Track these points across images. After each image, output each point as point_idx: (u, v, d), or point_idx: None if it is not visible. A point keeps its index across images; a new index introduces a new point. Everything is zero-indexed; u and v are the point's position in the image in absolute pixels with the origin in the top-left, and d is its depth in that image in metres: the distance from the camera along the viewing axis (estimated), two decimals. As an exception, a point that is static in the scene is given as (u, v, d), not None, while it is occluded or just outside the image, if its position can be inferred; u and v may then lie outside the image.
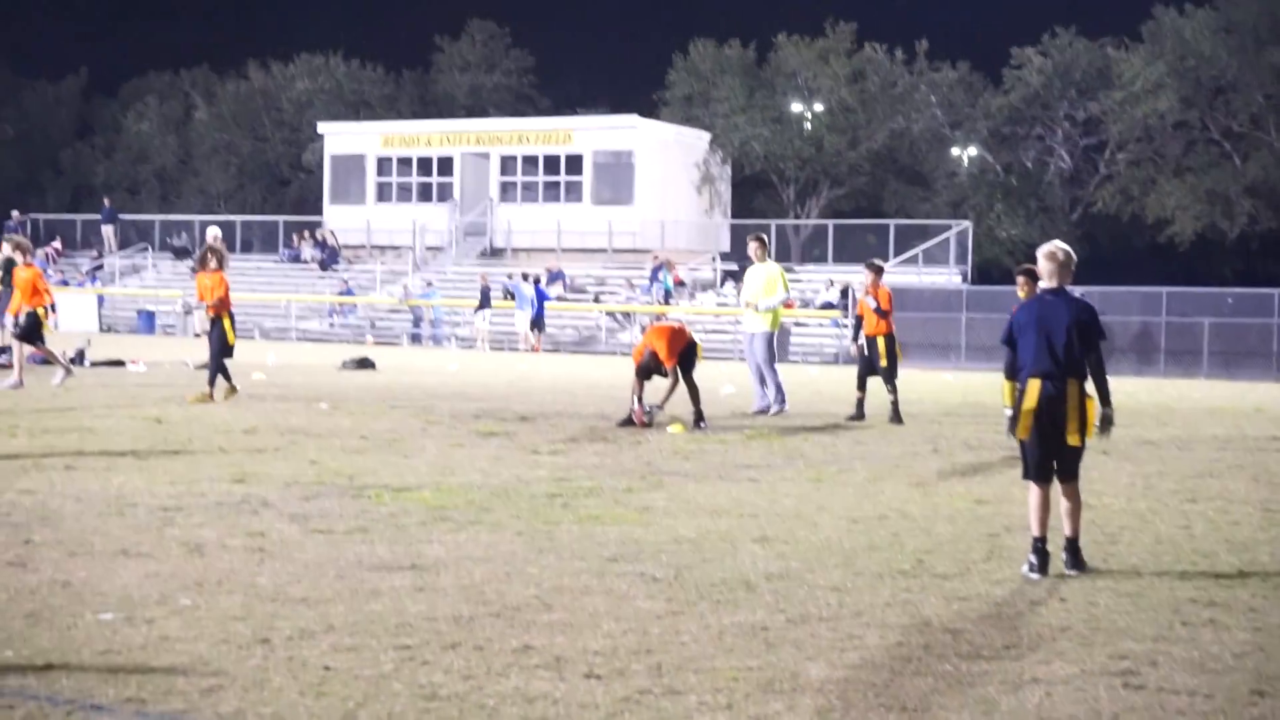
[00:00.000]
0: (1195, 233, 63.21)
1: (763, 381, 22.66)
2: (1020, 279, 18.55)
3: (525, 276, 49.92)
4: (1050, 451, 10.14)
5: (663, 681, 6.98)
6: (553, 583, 9.11)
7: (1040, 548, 9.96)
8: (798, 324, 48.41)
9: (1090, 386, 10.19)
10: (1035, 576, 9.83)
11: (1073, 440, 10.07)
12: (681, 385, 20.22)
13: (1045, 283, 10.31)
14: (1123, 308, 44.00)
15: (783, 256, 59.27)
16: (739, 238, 58.16)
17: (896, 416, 21.67)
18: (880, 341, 22.29)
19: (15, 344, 23.91)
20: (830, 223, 59.24)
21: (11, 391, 22.40)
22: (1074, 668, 7.42)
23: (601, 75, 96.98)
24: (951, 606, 8.78)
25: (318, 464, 14.59)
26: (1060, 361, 10.04)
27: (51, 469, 13.64)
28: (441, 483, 13.46)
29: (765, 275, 22.88)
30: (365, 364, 33.07)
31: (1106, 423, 10.24)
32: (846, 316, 47.32)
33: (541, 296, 48.35)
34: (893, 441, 18.86)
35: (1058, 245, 10.44)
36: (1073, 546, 10.08)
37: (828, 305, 48.29)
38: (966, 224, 55.44)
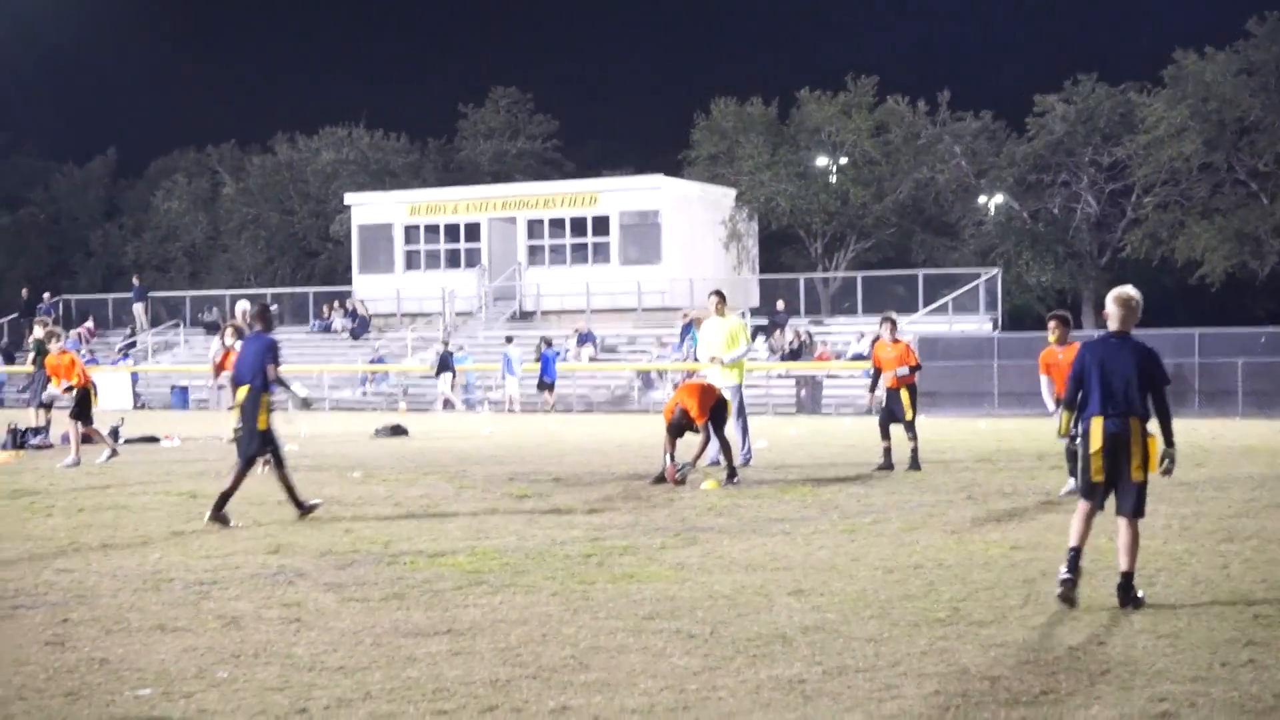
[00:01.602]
0: (1225, 273, 62.98)
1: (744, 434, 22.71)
2: (1052, 324, 18.65)
3: (509, 340, 50.39)
4: (1109, 484, 10.48)
5: (700, 738, 6.98)
6: (589, 642, 9.11)
7: (1075, 557, 10.35)
8: (830, 376, 48.40)
9: (1154, 426, 10.49)
10: (1068, 576, 10.22)
11: (1136, 475, 10.39)
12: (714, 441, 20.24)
13: (1114, 326, 10.71)
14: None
15: (812, 310, 59.34)
16: (768, 293, 58.33)
17: (915, 464, 21.84)
18: (904, 393, 22.28)
19: (71, 424, 24.28)
20: (859, 275, 59.29)
21: (64, 471, 22.66)
22: (1113, 711, 7.39)
23: (625, 137, 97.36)
24: (989, 654, 8.75)
25: (352, 532, 14.62)
26: (1122, 402, 10.40)
27: (87, 547, 13.70)
28: (476, 547, 13.48)
29: (726, 329, 22.86)
30: (398, 431, 33.16)
31: (1169, 461, 10.56)
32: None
33: (548, 360, 48.70)
34: (926, 490, 18.82)
35: (1128, 291, 10.84)
36: (1126, 581, 10.29)
37: (858, 357, 48.24)
38: (995, 271, 55.39)
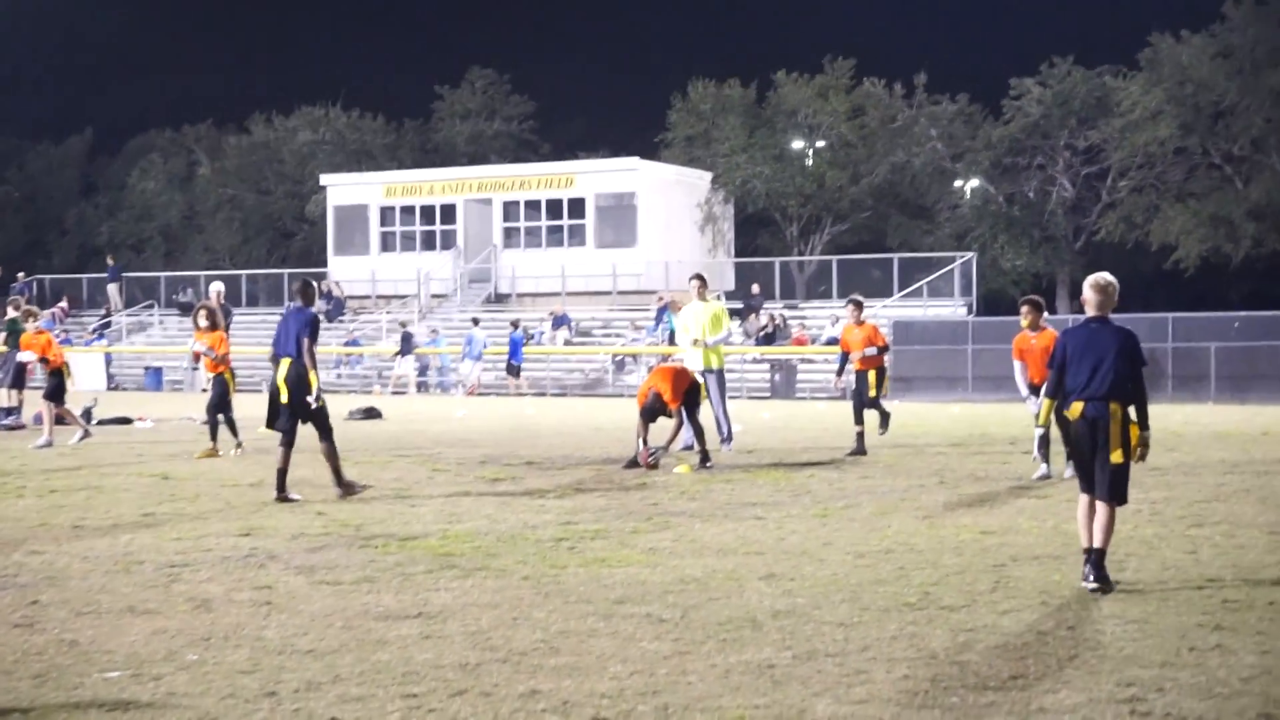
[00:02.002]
0: (1200, 257, 63.17)
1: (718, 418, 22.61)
2: (1024, 309, 18.69)
3: (475, 322, 50.46)
4: (1092, 467, 10.62)
5: (669, 722, 6.99)
6: (559, 627, 9.12)
7: (1090, 557, 10.47)
8: (805, 360, 48.44)
9: (1133, 411, 10.61)
10: (1095, 585, 10.27)
11: (1115, 458, 10.52)
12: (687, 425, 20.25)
13: (1091, 311, 10.83)
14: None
15: (788, 294, 59.37)
16: (744, 277, 58.32)
17: (884, 424, 22.42)
18: (871, 375, 22.31)
19: (44, 404, 24.28)
20: (834, 259, 59.31)
21: (36, 452, 22.62)
22: (1081, 696, 7.42)
23: (602, 119, 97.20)
24: (958, 639, 8.77)
25: (324, 515, 14.61)
26: (1104, 386, 10.51)
27: (58, 529, 13.67)
28: (448, 530, 13.48)
29: (708, 312, 22.70)
30: (372, 414, 33.11)
31: (1144, 446, 10.68)
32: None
33: (516, 343, 48.65)
34: (899, 475, 18.86)
35: (1105, 277, 10.96)
36: (1098, 558, 10.39)
37: (833, 341, 48.25)
38: (971, 255, 55.46)
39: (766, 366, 48.64)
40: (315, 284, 17.25)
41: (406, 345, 50.06)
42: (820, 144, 67.63)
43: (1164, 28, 64.24)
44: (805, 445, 24.07)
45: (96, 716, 7.17)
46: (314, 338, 15.99)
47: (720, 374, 22.67)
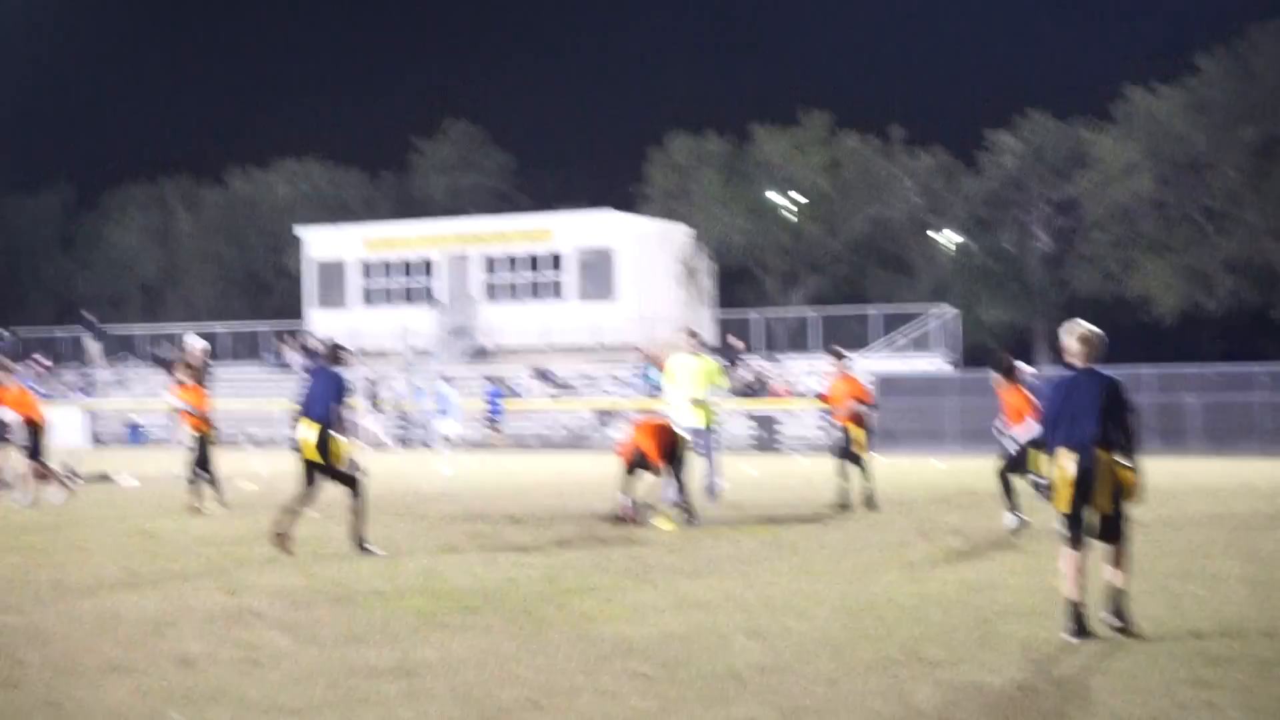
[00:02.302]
0: (1178, 310, 63.38)
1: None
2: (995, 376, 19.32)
3: (447, 379, 50.38)
4: (1084, 517, 10.72)
5: (657, 781, 6.99)
6: (544, 683, 9.11)
7: (1077, 612, 10.52)
8: (787, 414, 48.46)
9: (1122, 457, 10.75)
10: (1075, 640, 10.35)
11: (1105, 506, 10.67)
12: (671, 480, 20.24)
13: (1077, 362, 10.98)
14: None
15: (769, 346, 59.41)
16: (724, 330, 58.36)
17: (873, 503, 21.93)
18: (853, 429, 22.34)
19: (26, 462, 24.12)
20: (813, 311, 59.42)
21: (18, 509, 22.58)
22: (1068, 753, 7.44)
23: (581, 171, 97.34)
24: (943, 694, 8.78)
25: (308, 573, 14.58)
26: (1091, 433, 10.63)
27: (40, 587, 13.63)
28: (433, 587, 13.46)
29: (700, 367, 22.61)
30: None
31: (1137, 489, 10.83)
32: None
33: (494, 395, 48.55)
34: (883, 529, 18.87)
35: (1088, 328, 11.10)
36: (1118, 600, 10.57)
37: (815, 395, 48.31)
38: (955, 311, 55.57)
39: (749, 420, 48.64)
40: (345, 348, 17.41)
41: (368, 395, 50.05)
42: (798, 197, 67.78)
43: (1137, 80, 64.63)
44: (789, 500, 24.07)
45: (83, 778, 7.15)
46: (341, 399, 16.21)
47: (710, 430, 22.66)
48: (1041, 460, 11.21)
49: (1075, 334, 11.04)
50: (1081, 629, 10.48)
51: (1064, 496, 10.77)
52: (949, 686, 9.00)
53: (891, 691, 8.85)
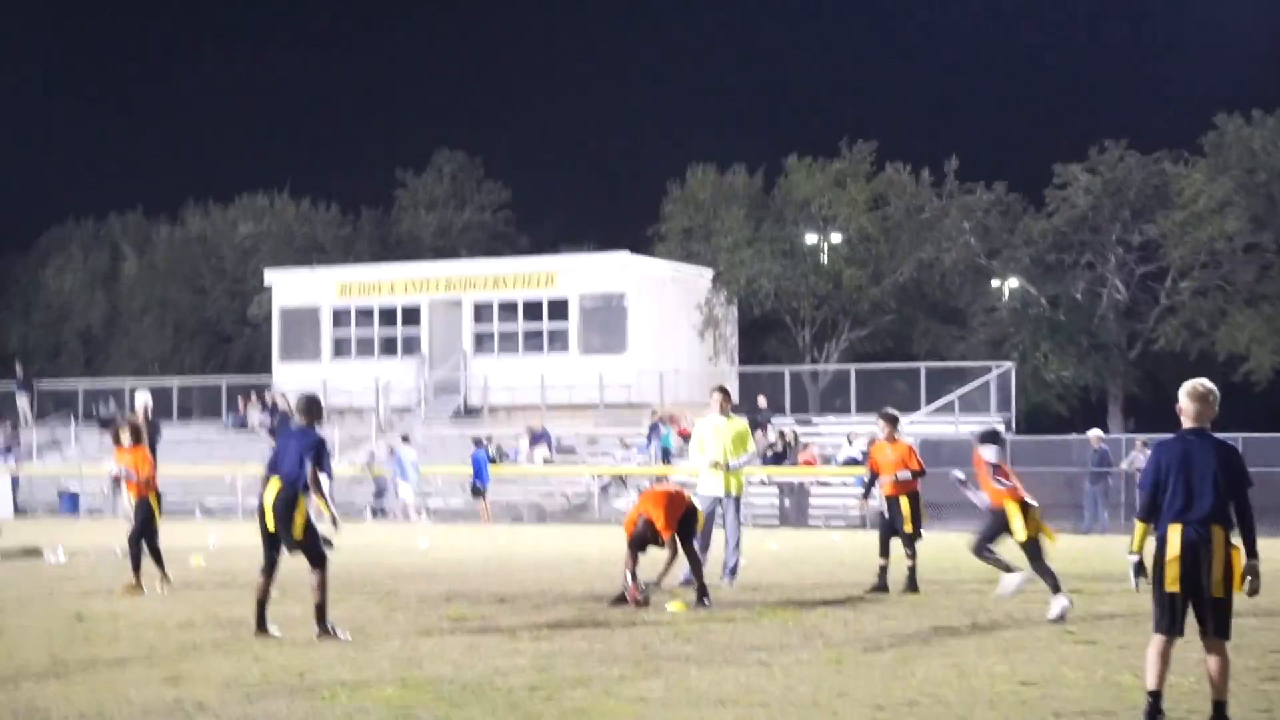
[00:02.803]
0: (1274, 369, 63.21)
1: (704, 548, 22.44)
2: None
3: (405, 439, 50.52)
4: (1189, 604, 10.73)
5: None
6: (530, 788, 9.08)
7: (1155, 704, 10.58)
8: (819, 483, 48.42)
9: (1236, 537, 10.82)
10: None
11: (1217, 591, 10.69)
12: (682, 557, 20.22)
13: (1188, 423, 11.00)
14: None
15: (799, 407, 59.44)
16: (749, 387, 58.33)
17: (913, 584, 21.91)
18: (904, 501, 22.44)
19: None
20: (852, 367, 59.32)
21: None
22: None
23: (587, 209, 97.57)
24: (991, 803, 8.74)
25: (263, 660, 14.55)
26: (1205, 507, 10.67)
27: (-47, 675, 13.61)
28: (406, 677, 13.43)
29: (733, 431, 22.85)
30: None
31: (1254, 575, 10.86)
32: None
33: (479, 461, 48.49)
34: (925, 614, 18.83)
35: (1205, 384, 11.14)
36: (1219, 709, 10.54)
37: (851, 461, 48.25)
38: (1009, 365, 55.55)
39: (775, 490, 48.61)
40: (320, 402, 17.41)
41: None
42: (837, 238, 67.76)
43: (1231, 108, 64.54)
44: (817, 580, 24.02)
45: None
46: (319, 463, 16.14)
47: (738, 501, 22.79)
48: (1140, 529, 11.10)
49: (1188, 390, 11.13)
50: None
51: (1171, 575, 10.77)
52: (997, 793, 8.96)
53: (930, 799, 8.81)
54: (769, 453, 49.56)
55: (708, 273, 64.86)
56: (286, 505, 16.15)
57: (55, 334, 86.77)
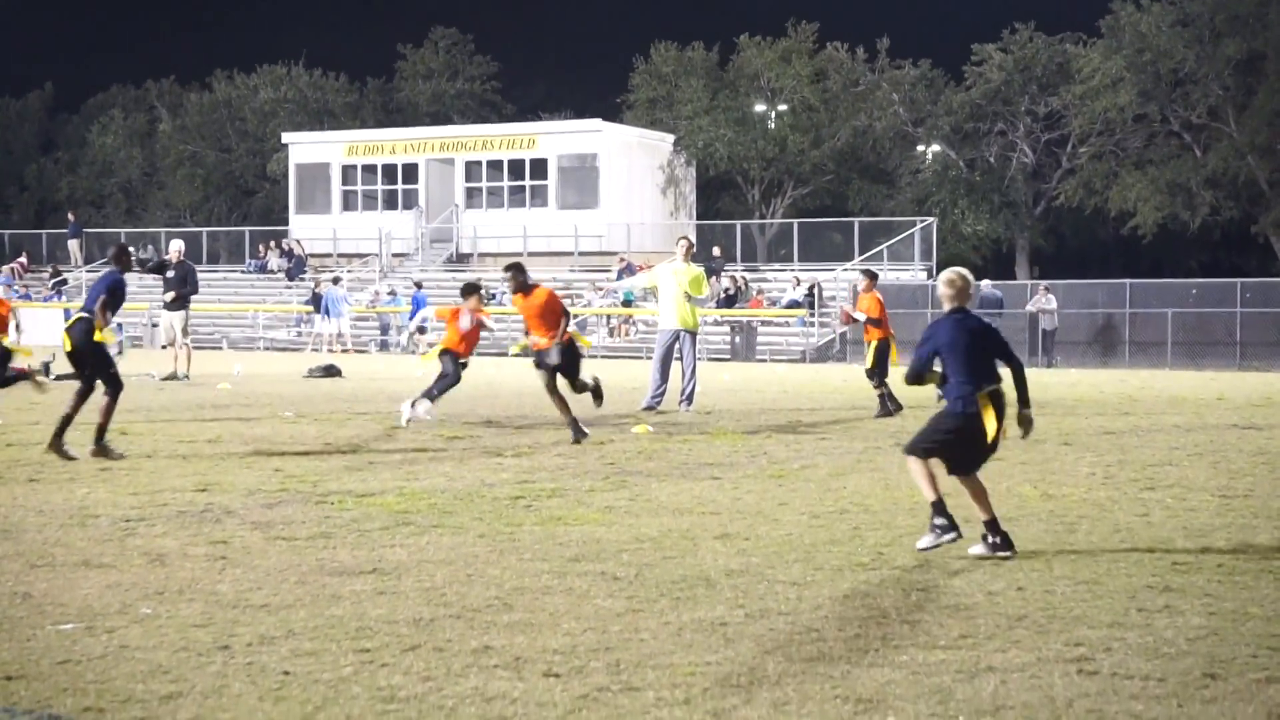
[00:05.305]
0: (1158, 224, 63.39)
1: (664, 378, 22.63)
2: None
3: (336, 281, 50.67)
4: (961, 456, 10.50)
5: (621, 678, 6.99)
6: (513, 584, 9.12)
7: (943, 507, 10.32)
8: (765, 323, 48.51)
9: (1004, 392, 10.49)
10: (950, 536, 10.23)
11: (985, 450, 10.48)
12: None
13: (947, 305, 10.64)
14: (1087, 300, 44.27)
15: (749, 257, 59.42)
16: (705, 239, 58.29)
17: (884, 409, 22.29)
18: (872, 346, 22.92)
19: None
20: (795, 222, 59.34)
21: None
22: (1029, 655, 7.45)
23: (565, 80, 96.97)
24: (910, 598, 8.81)
25: (281, 472, 14.57)
26: (976, 377, 10.36)
27: (14, 482, 13.61)
28: (405, 487, 13.46)
29: (690, 275, 22.98)
30: (331, 372, 33.02)
31: (1027, 422, 10.57)
32: (812, 315, 47.46)
33: (419, 303, 48.40)
34: (855, 437, 18.93)
35: (955, 270, 10.79)
36: (995, 525, 10.30)
37: (794, 304, 48.36)
38: (931, 220, 55.59)
39: (726, 328, 48.70)
40: (133, 250, 17.20)
41: (319, 305, 50.18)
42: (783, 108, 67.63)
43: (1125, -4, 64.31)
44: (763, 407, 24.11)
45: (48, 668, 7.14)
46: (111, 300, 15.89)
47: (694, 336, 22.94)
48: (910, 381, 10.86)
49: (942, 277, 10.77)
50: (953, 523, 10.31)
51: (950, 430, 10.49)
52: (915, 590, 9.03)
53: (859, 595, 8.88)
54: (722, 295, 49.58)
55: (669, 138, 64.60)
56: (84, 333, 15.74)
57: (100, 186, 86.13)
